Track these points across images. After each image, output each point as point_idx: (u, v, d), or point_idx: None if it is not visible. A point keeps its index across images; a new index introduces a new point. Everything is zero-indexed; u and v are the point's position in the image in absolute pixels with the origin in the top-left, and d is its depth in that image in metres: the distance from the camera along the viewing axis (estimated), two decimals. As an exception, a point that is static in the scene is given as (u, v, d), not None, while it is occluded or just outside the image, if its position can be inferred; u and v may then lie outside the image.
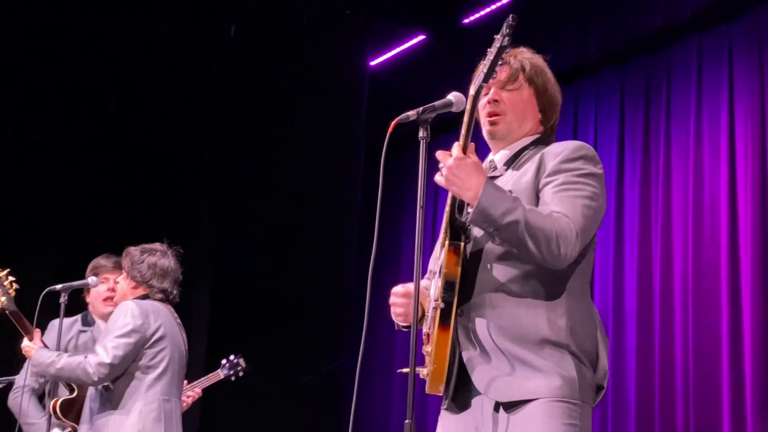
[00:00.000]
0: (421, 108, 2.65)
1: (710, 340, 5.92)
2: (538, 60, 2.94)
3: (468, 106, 2.62)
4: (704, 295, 6.02)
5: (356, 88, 8.34)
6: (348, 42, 8.24)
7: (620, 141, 6.78)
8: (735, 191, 6.02)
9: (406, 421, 2.44)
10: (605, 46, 6.87)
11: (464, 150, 2.64)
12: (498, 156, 2.89)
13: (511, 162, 2.85)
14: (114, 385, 4.53)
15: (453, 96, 2.68)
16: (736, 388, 5.74)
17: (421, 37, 7.97)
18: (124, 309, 4.56)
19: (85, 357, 4.48)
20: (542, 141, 2.88)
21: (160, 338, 4.57)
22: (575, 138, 6.90)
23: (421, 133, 2.63)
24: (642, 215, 6.52)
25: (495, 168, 2.87)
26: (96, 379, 4.44)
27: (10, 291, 4.91)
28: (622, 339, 6.45)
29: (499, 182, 2.79)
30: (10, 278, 4.94)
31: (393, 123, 2.63)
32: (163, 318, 4.63)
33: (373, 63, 8.36)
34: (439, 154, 2.65)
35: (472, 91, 2.61)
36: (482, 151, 2.95)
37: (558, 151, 2.75)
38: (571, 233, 2.59)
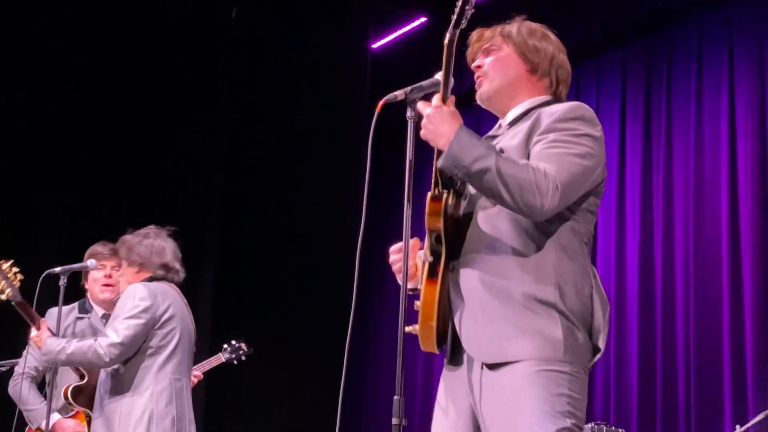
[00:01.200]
0: (409, 88, 2.65)
1: (711, 319, 5.94)
2: (523, 23, 2.90)
3: (444, 56, 2.61)
4: (705, 274, 6.04)
5: (358, 70, 8.32)
6: (349, 25, 8.22)
7: (622, 121, 6.79)
8: (735, 171, 6.02)
9: (395, 397, 2.44)
10: (607, 27, 6.87)
11: (444, 100, 2.63)
12: (506, 118, 2.85)
13: (515, 122, 2.80)
14: (124, 367, 4.50)
15: (440, 75, 2.68)
16: (737, 368, 5.76)
17: (423, 20, 7.96)
18: (132, 291, 4.54)
19: (95, 339, 4.46)
20: (553, 104, 2.81)
21: (169, 318, 4.55)
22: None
23: (408, 113, 2.62)
24: (643, 195, 6.52)
25: (500, 127, 2.85)
26: (107, 360, 4.41)
27: (15, 282, 4.88)
28: (624, 319, 6.47)
29: (496, 140, 2.77)
30: (14, 269, 4.92)
31: (380, 103, 2.63)
32: (171, 298, 4.60)
33: (374, 46, 8.36)
34: (420, 105, 2.63)
35: (445, 40, 2.61)
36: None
37: (554, 110, 2.70)
38: (547, 184, 2.53)
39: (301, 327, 8.04)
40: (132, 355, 4.49)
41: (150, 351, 4.50)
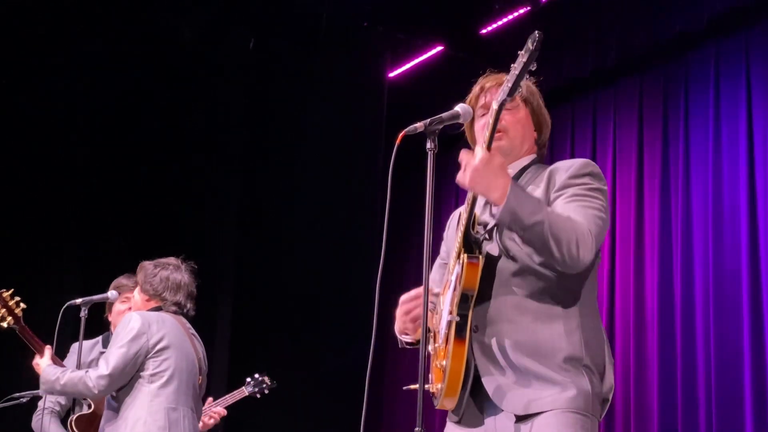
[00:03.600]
0: (429, 120, 2.66)
1: (732, 347, 5.91)
2: (531, 83, 3.00)
3: (491, 121, 2.64)
4: (725, 301, 6.01)
5: (375, 99, 8.37)
6: (367, 54, 8.28)
7: (639, 149, 6.79)
8: (755, 197, 6.01)
9: (416, 429, 2.45)
10: (623, 55, 6.89)
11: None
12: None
13: (516, 178, 2.86)
14: (119, 395, 4.53)
15: (460, 107, 2.70)
16: (758, 395, 5.72)
17: (439, 49, 8.01)
18: (126, 320, 4.58)
19: (86, 371, 4.50)
20: (540, 160, 2.96)
21: (164, 347, 4.55)
22: (594, 146, 6.94)
23: (428, 145, 2.64)
24: (662, 222, 6.51)
25: None
26: (96, 392, 4.45)
27: (17, 310, 4.88)
28: (644, 347, 6.44)
29: None
30: (16, 298, 4.90)
31: (401, 135, 2.66)
32: (168, 328, 4.61)
33: (391, 75, 8.41)
34: (464, 153, 2.65)
35: (495, 105, 2.63)
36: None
37: (566, 167, 2.81)
38: (588, 236, 2.63)
39: (318, 360, 8.03)
40: (124, 384, 4.51)
41: (143, 380, 4.51)
